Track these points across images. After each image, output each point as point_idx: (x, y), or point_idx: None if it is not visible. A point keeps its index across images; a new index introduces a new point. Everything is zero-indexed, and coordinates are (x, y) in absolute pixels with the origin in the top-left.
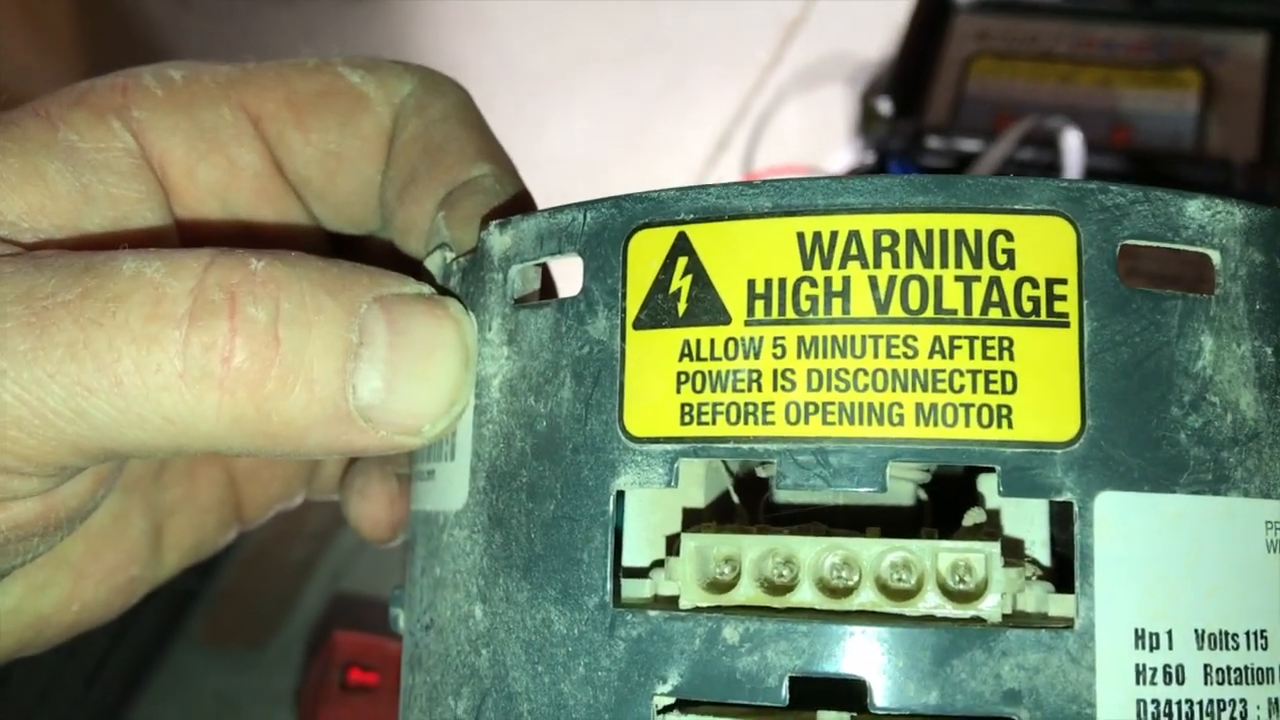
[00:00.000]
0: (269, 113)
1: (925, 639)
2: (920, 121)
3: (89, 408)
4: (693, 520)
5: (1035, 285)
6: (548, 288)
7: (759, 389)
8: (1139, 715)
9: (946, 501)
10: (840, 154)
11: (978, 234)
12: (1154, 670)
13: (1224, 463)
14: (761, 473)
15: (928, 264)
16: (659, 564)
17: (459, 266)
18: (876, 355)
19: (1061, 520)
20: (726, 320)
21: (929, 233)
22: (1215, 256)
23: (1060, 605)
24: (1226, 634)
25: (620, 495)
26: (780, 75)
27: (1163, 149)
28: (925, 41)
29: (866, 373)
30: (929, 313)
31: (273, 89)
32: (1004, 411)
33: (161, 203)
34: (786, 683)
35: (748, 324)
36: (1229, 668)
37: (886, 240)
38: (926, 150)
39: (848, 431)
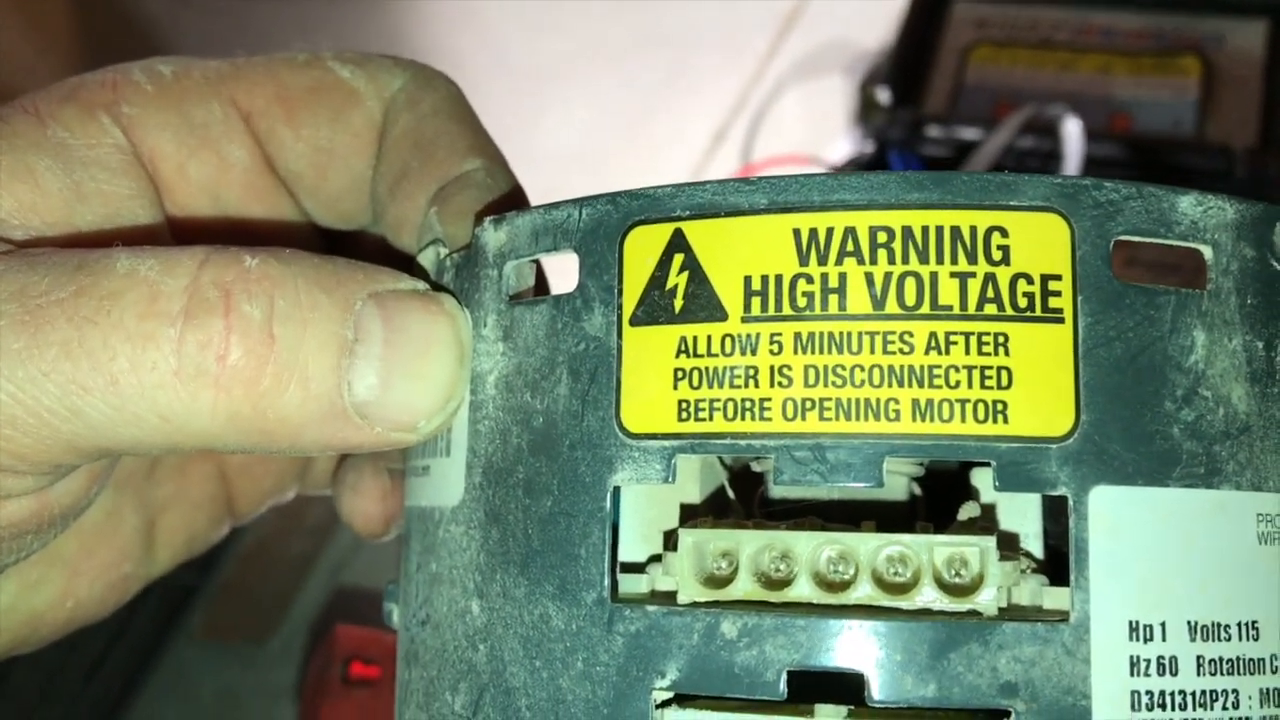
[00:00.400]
0: (259, 108)
1: (922, 632)
2: (919, 110)
3: (84, 406)
4: (688, 516)
5: (1030, 281)
6: (541, 283)
7: (756, 385)
8: (1133, 706)
9: (939, 495)
10: (839, 144)
11: (973, 230)
12: (1148, 661)
13: (1216, 456)
14: (756, 467)
15: (923, 260)
16: (655, 559)
17: (453, 262)
18: (873, 351)
19: (1055, 514)
20: (723, 317)
21: (925, 229)
22: (1207, 252)
23: (1055, 598)
24: (1219, 625)
25: (617, 491)
26: (778, 66)
27: (1163, 136)
28: (923, 30)
29: (863, 368)
30: (925, 309)
31: (263, 84)
32: (999, 407)
33: (153, 199)
34: (785, 677)
35: (744, 320)
36: (1221, 658)
37: (882, 236)
38: (926, 139)
39: (844, 427)
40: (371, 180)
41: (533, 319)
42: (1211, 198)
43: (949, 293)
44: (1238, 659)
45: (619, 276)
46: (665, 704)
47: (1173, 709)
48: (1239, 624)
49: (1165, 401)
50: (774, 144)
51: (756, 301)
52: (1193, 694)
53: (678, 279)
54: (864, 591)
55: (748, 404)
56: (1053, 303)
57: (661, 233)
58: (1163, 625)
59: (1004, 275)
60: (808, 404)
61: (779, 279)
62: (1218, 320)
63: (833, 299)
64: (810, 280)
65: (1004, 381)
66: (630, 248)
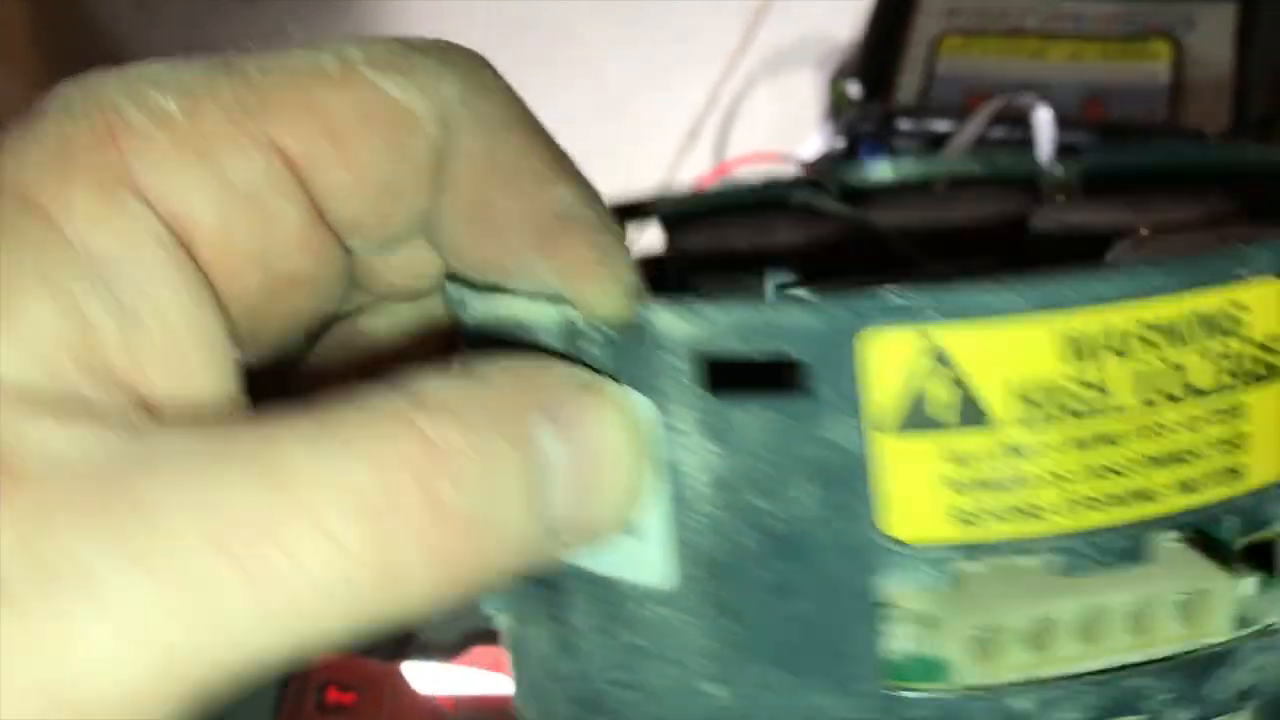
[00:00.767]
0: (303, 150)
1: (1186, 669)
2: (890, 104)
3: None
4: None
5: (1265, 349)
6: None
7: (1029, 488)
8: None
9: None
10: (812, 140)
11: (1220, 309)
12: None
13: None
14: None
15: (1177, 345)
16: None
17: (603, 336)
18: (1141, 442)
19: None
20: (990, 423)
21: (1177, 316)
22: None
23: (1270, 603)
24: None
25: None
26: (749, 62)
27: (1135, 121)
28: (892, 21)
29: (1132, 460)
30: (1180, 392)
31: (300, 115)
32: (1241, 468)
33: (206, 297)
34: None
35: (1012, 425)
36: None
37: (1141, 329)
38: (897, 133)
39: (1115, 518)
40: (429, 213)
41: (750, 422)
42: None
43: (1202, 375)
44: None
45: (861, 383)
46: None
47: None
48: None
49: None
50: (747, 140)
51: (1023, 406)
52: None
53: (935, 386)
54: (1120, 641)
55: (1023, 509)
56: (1273, 360)
57: (911, 338)
58: None
59: (1242, 347)
60: (1083, 502)
61: (1043, 381)
62: None
63: (1100, 397)
64: (1076, 380)
65: (1244, 445)
66: (873, 353)
